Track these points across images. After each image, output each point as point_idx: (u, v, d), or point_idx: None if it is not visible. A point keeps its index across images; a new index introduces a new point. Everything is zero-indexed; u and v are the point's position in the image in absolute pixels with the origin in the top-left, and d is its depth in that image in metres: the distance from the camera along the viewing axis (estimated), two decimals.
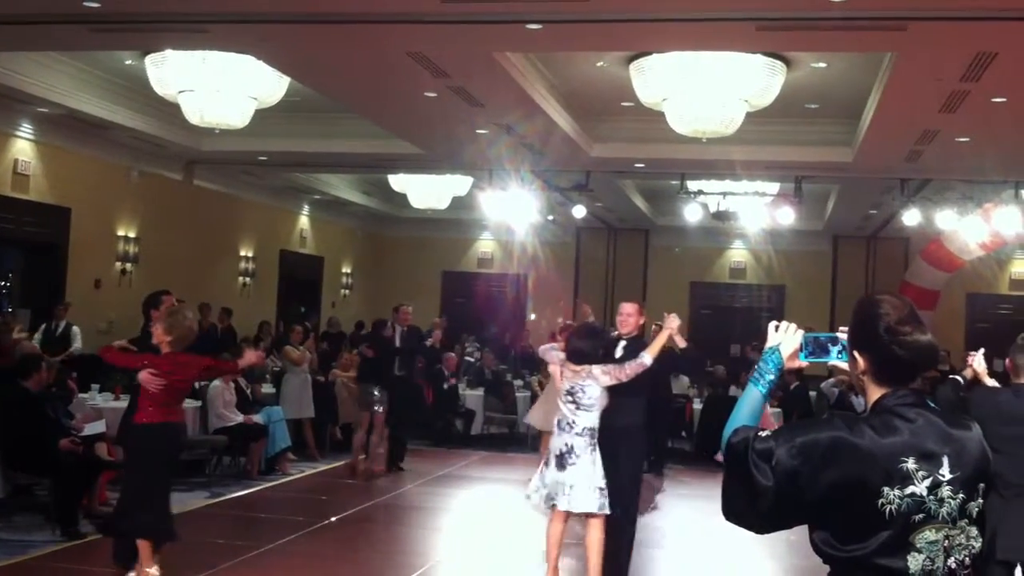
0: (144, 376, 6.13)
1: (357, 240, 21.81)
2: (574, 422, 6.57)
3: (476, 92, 10.05)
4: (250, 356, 7.44)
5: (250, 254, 17.42)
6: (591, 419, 6.57)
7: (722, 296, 21.51)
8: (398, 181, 16.43)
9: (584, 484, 6.49)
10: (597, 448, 6.57)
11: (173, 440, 6.32)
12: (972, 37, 7.59)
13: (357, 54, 9.04)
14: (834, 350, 2.60)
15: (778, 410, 13.08)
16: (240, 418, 11.05)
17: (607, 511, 6.54)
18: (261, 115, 10.98)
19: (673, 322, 6.82)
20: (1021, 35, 7.38)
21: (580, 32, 8.00)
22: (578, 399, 6.60)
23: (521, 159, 13.23)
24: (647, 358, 6.60)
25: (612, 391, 6.72)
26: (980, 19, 7.06)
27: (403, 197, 17.20)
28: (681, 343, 7.24)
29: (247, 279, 17.34)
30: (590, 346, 6.73)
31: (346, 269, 21.32)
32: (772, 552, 8.36)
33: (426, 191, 16.47)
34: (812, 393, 14.89)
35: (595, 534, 6.62)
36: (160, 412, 6.15)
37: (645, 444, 7.32)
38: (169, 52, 9.88)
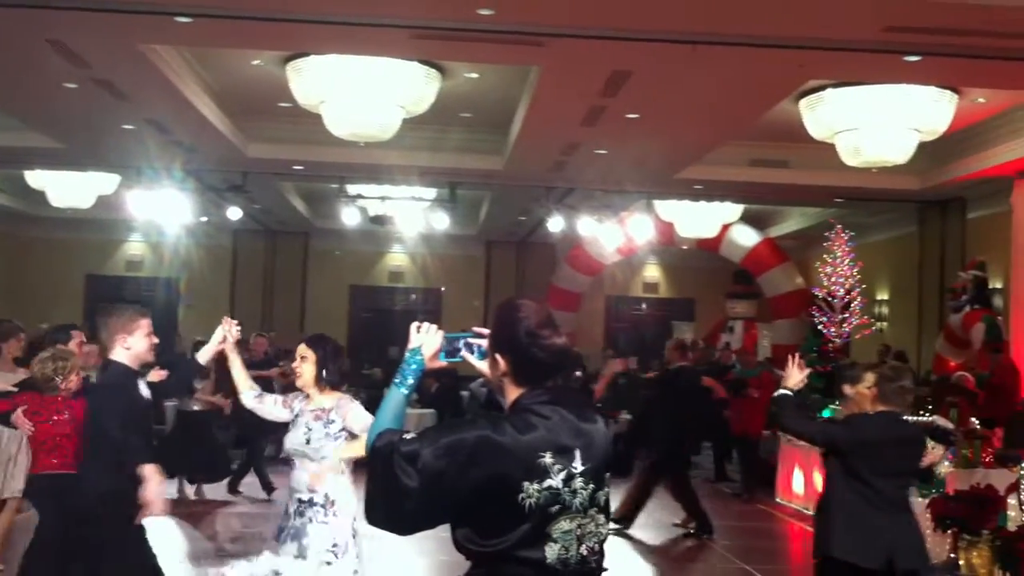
0: (16, 417, 5.69)
1: None
2: None
3: (121, 85, 9.55)
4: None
5: None
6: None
7: (382, 299, 21.77)
8: (35, 177, 15.25)
9: None
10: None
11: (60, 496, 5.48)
12: (608, 56, 8.13)
13: None
14: (472, 350, 2.68)
15: (431, 411, 13.35)
16: None
17: None
18: None
19: None
20: (651, 55, 7.99)
21: (231, 29, 7.81)
22: None
23: (172, 157, 12.69)
24: None
25: None
26: (614, 39, 7.57)
27: (42, 195, 15.95)
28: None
29: None
30: None
31: None
32: (421, 549, 8.50)
33: (68, 188, 15.39)
34: (464, 393, 15.36)
35: None
36: (45, 461, 5.64)
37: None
38: None
